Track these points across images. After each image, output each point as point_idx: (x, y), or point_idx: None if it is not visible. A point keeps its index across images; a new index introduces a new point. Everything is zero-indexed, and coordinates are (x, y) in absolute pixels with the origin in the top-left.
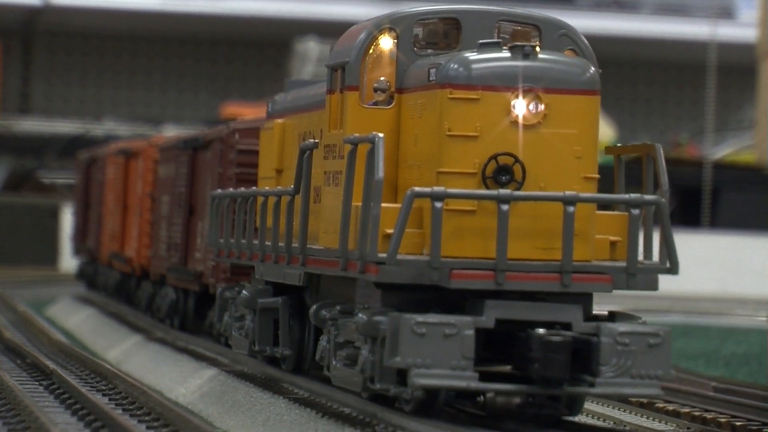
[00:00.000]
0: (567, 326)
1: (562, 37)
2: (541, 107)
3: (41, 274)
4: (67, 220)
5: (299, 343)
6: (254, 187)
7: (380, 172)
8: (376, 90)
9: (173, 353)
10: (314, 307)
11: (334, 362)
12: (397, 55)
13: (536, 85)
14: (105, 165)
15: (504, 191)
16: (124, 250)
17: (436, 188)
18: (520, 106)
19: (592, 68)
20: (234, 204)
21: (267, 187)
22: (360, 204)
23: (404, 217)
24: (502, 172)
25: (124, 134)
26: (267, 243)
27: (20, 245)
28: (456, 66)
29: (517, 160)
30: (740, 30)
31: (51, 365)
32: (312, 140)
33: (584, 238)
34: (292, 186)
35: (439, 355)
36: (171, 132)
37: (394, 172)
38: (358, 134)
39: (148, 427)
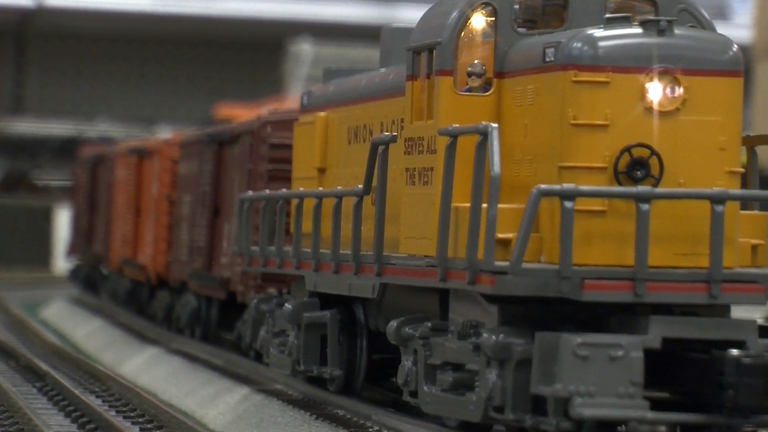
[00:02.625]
0: (740, 345)
1: (681, 13)
2: (680, 91)
3: (34, 275)
4: (61, 221)
5: (349, 362)
6: (301, 188)
7: (497, 167)
8: (470, 75)
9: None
10: (394, 323)
11: (426, 387)
12: (495, 34)
13: (674, 66)
14: (114, 165)
15: (644, 188)
16: (138, 257)
17: (566, 185)
18: (656, 90)
19: (735, 46)
20: (273, 206)
21: (321, 188)
22: (459, 205)
23: (530, 218)
24: (637, 167)
25: (117, 135)
26: (322, 251)
27: (13, 247)
28: (580, 44)
29: (653, 152)
30: (735, 31)
31: (44, 367)
32: (388, 133)
33: (729, 241)
34: (360, 186)
35: (604, 381)
36: (165, 133)
37: None
38: (458, 125)
39: (142, 429)
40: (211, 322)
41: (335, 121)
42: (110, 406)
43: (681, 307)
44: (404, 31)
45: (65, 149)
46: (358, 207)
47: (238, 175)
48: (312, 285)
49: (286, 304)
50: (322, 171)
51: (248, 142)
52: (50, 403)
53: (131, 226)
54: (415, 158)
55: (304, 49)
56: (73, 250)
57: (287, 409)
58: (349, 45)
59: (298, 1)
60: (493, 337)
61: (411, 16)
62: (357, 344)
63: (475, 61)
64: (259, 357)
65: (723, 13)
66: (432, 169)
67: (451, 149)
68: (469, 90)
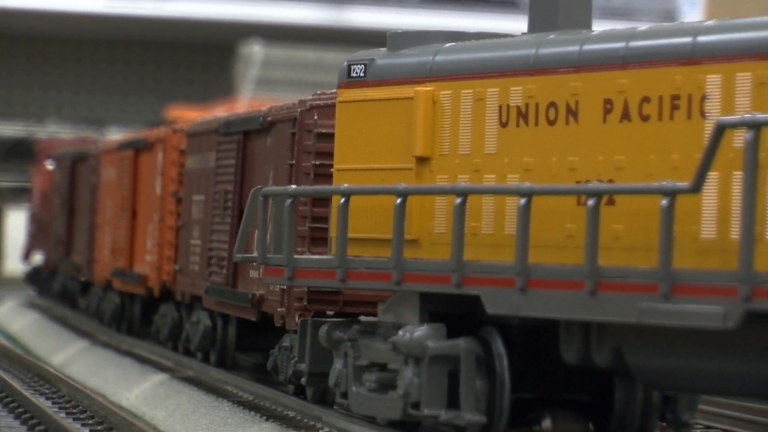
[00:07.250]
0: None
1: None
2: None
3: None
4: (13, 224)
5: (487, 406)
6: (345, 184)
7: None
8: None
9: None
10: None
11: None
12: None
13: None
14: (99, 164)
15: None
16: (135, 266)
17: None
18: None
19: None
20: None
21: (448, 183)
22: None
23: None
24: None
25: (68, 137)
26: (536, 264)
27: None
28: None
29: None
30: None
31: None
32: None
33: None
34: (681, 183)
35: None
36: (115, 135)
37: None
38: None
39: (91, 431)
40: (229, 345)
41: (458, 97)
42: (60, 408)
43: None
44: None
45: (15, 151)
46: (669, 209)
47: (274, 172)
48: (506, 307)
49: (402, 332)
50: (423, 160)
51: (288, 132)
52: None
53: (125, 232)
54: None
55: (255, 50)
56: (30, 251)
57: (237, 410)
58: (300, 47)
59: (249, 2)
60: None
61: (361, 18)
62: (496, 382)
63: None
64: (300, 391)
65: (671, 17)
66: None
67: None
68: None
